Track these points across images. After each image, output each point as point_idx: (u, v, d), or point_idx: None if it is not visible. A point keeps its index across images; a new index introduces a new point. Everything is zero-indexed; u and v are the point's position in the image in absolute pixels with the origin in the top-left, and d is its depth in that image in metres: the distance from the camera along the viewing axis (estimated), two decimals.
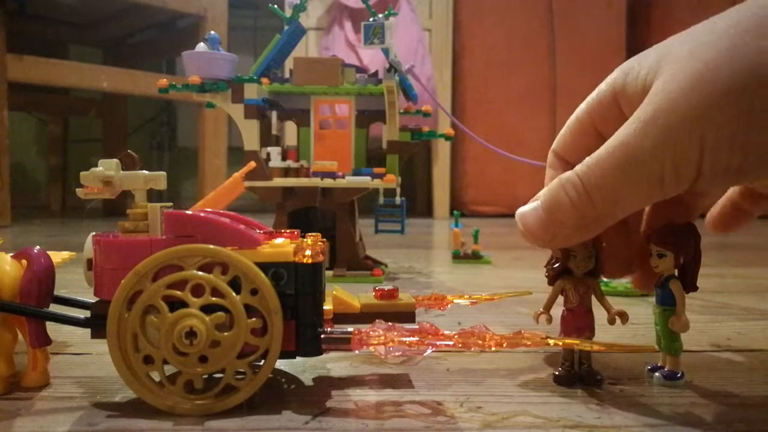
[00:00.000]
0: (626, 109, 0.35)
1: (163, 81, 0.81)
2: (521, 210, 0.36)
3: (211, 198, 0.80)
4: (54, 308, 0.39)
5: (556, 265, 0.40)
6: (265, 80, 0.79)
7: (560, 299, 0.41)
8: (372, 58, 1.88)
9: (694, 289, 0.40)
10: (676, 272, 0.40)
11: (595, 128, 0.38)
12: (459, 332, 0.37)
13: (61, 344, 0.49)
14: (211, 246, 0.35)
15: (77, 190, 0.40)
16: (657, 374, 0.40)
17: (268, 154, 0.82)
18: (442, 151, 2.26)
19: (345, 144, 0.84)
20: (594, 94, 0.37)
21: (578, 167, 0.34)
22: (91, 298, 0.38)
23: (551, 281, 0.41)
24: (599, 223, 0.34)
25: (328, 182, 0.80)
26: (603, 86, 0.37)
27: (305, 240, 0.40)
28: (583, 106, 0.38)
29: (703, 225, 0.41)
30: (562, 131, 0.40)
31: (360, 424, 0.34)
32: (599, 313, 0.40)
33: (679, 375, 0.40)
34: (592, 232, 0.35)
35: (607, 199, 0.32)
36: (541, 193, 0.36)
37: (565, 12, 2.29)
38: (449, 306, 0.46)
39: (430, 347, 0.36)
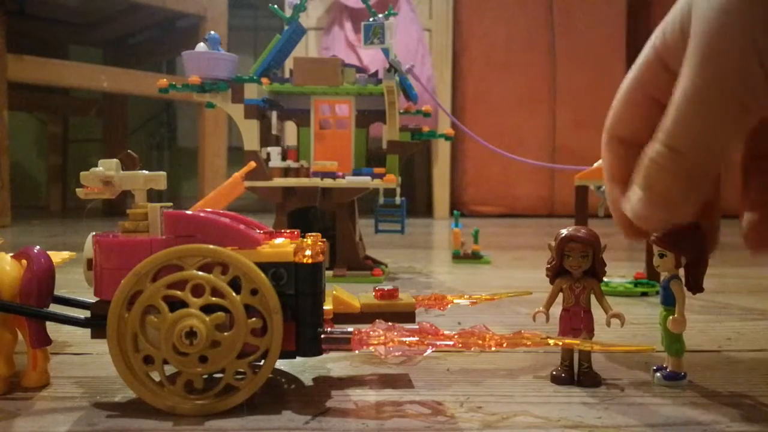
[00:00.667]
0: (674, 65, 0.34)
1: (163, 81, 0.81)
2: (625, 202, 0.35)
3: (211, 198, 0.80)
4: (54, 308, 0.39)
5: (552, 264, 0.41)
6: (265, 80, 0.79)
7: (561, 299, 0.41)
8: (372, 58, 1.88)
9: (699, 290, 0.39)
10: (680, 272, 0.39)
11: (647, 96, 0.37)
12: (459, 332, 0.37)
13: (61, 344, 0.49)
14: (211, 246, 0.35)
15: (77, 190, 0.40)
16: (658, 374, 0.40)
17: (268, 154, 0.82)
18: (442, 151, 2.26)
19: (345, 144, 0.84)
20: (639, 62, 0.37)
21: (656, 135, 0.33)
22: (91, 298, 0.38)
23: (551, 280, 0.41)
24: (703, 176, 0.32)
25: (328, 182, 0.80)
26: (646, 51, 0.36)
27: (305, 240, 0.40)
28: (630, 77, 0.38)
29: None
30: (614, 108, 0.39)
31: (360, 424, 0.34)
32: (599, 314, 0.40)
33: (681, 375, 0.40)
34: (703, 190, 0.33)
35: (699, 148, 0.31)
36: (634, 178, 0.35)
37: (565, 11, 2.29)
38: (449, 306, 0.46)
39: (430, 347, 0.36)
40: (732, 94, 0.30)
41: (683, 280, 0.40)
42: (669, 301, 0.40)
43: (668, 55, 0.35)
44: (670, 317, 0.39)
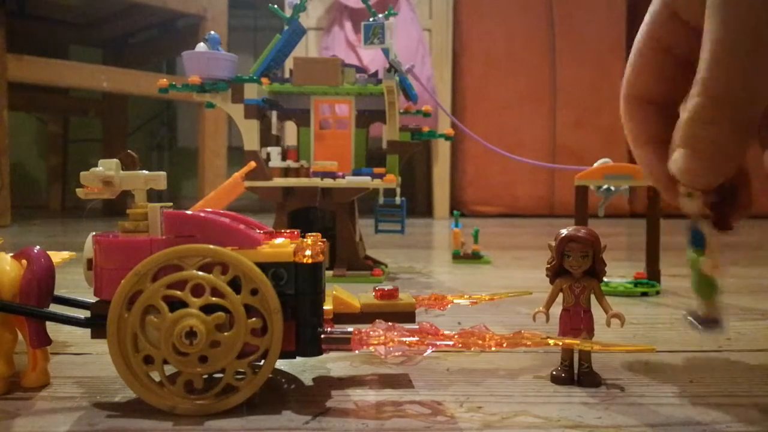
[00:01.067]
0: (686, 14, 0.35)
1: (163, 81, 0.81)
2: (672, 162, 0.35)
3: (211, 198, 0.80)
4: (54, 308, 0.39)
5: (552, 263, 0.41)
6: (265, 80, 0.79)
7: (561, 299, 0.41)
8: (372, 58, 1.88)
9: (728, 227, 0.37)
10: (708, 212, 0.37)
11: (660, 48, 0.37)
12: (459, 332, 0.37)
13: (61, 344, 0.49)
14: (211, 246, 0.35)
15: (77, 190, 0.40)
16: (691, 319, 0.37)
17: (268, 154, 0.82)
18: (442, 151, 2.26)
19: (345, 144, 0.84)
20: (648, 18, 0.37)
21: (692, 90, 0.32)
22: (91, 298, 0.38)
23: (551, 280, 0.41)
24: (746, 120, 0.32)
25: (328, 182, 0.80)
26: (654, 6, 0.37)
27: (305, 240, 0.40)
28: (642, 34, 0.38)
29: None
30: (628, 69, 0.39)
31: (360, 424, 0.34)
32: (599, 314, 0.40)
33: (717, 322, 0.36)
34: (748, 136, 0.33)
35: (738, 91, 0.31)
36: (675, 139, 0.34)
37: (565, 11, 2.29)
38: (449, 306, 0.46)
39: (430, 347, 0.36)
40: (764, 34, 0.30)
41: (710, 220, 0.37)
42: (700, 243, 0.37)
43: (679, 6, 0.35)
44: (704, 259, 0.36)
